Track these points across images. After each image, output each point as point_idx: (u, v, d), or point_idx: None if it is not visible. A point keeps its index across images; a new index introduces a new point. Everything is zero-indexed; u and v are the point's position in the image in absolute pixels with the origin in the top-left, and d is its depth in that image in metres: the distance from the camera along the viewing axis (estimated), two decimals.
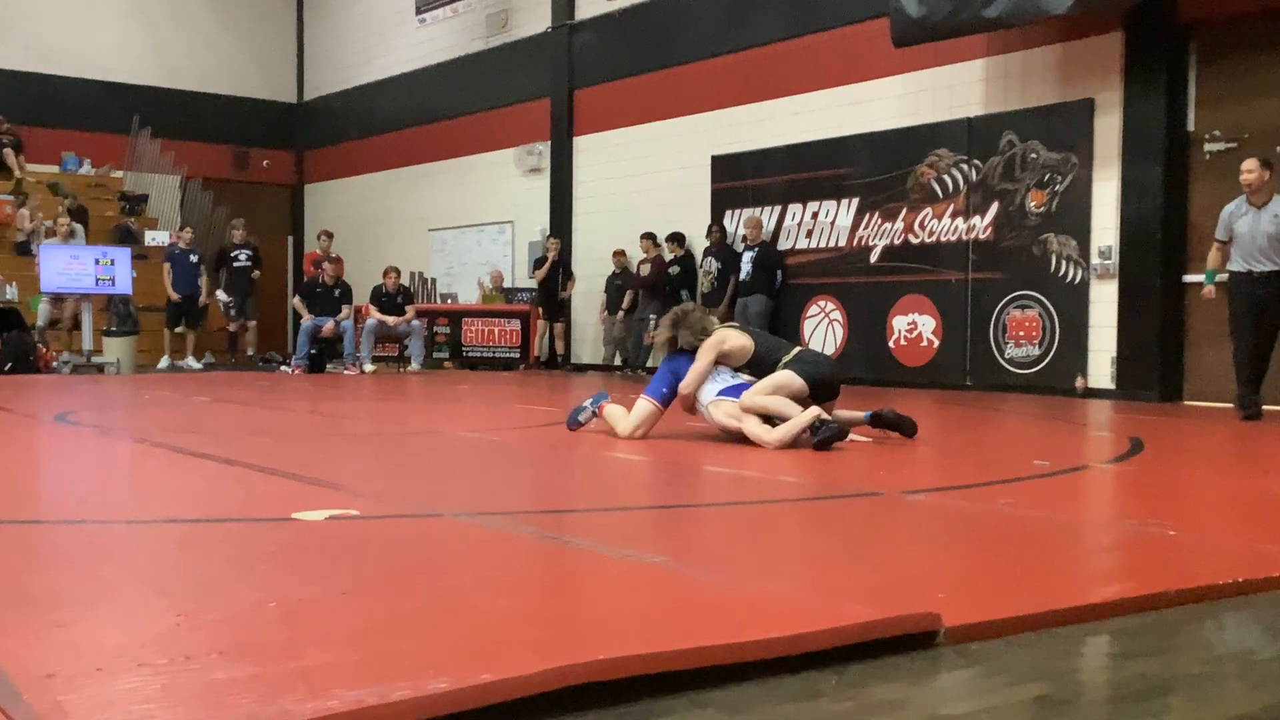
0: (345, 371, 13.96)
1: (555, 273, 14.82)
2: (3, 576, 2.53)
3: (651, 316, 12.78)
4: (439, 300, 16.86)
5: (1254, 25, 9.28)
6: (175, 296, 15.10)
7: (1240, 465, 5.50)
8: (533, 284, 15.15)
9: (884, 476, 4.71)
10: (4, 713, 1.58)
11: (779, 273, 12.47)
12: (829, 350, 12.16)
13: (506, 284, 15.99)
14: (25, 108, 17.80)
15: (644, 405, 5.79)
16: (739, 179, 13.11)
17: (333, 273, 14.39)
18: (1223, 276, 7.95)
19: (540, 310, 15.04)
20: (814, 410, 5.43)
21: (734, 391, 5.62)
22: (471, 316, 15.39)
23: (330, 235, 15.78)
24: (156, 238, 17.67)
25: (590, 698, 1.75)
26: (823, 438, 5.30)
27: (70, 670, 1.76)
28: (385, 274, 14.51)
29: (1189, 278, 9.59)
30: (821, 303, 12.28)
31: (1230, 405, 8.19)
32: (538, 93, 15.87)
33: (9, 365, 12.64)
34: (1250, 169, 7.59)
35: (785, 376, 5.62)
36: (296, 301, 14.99)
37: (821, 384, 5.72)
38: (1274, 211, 7.53)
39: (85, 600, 2.30)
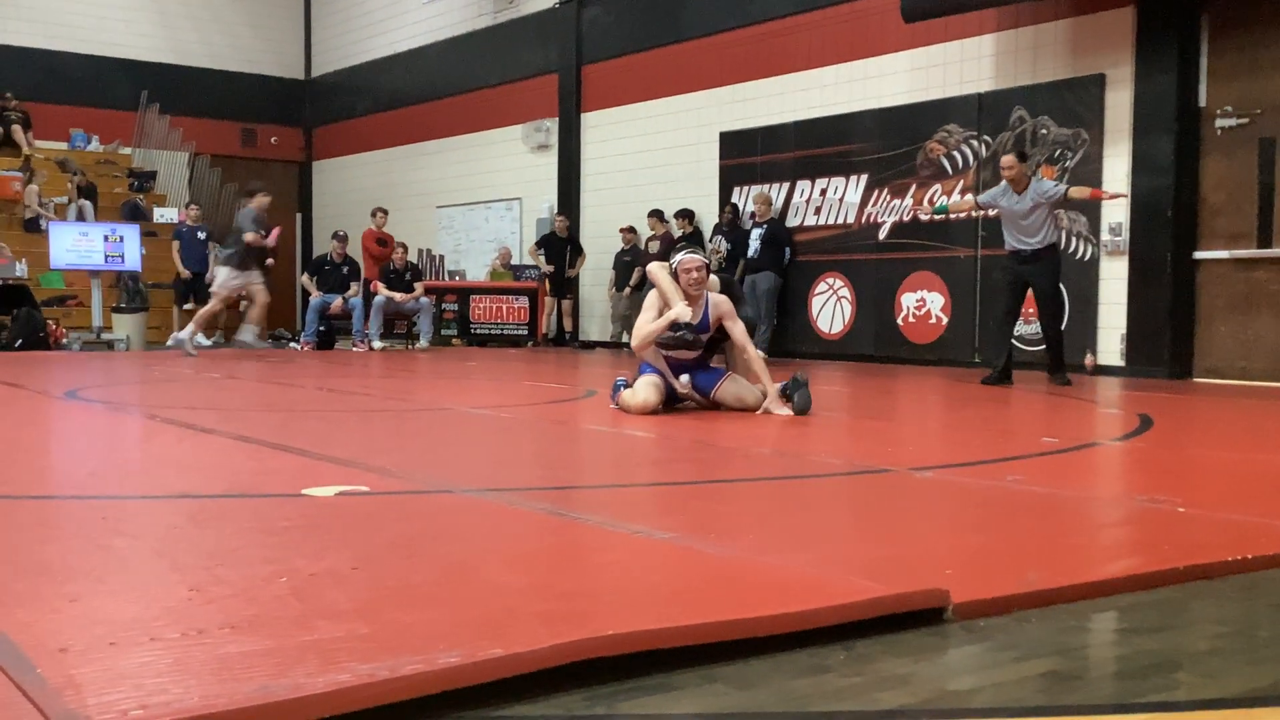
0: (354, 348, 13.97)
1: (564, 250, 14.81)
2: (16, 550, 2.55)
3: None
4: (447, 277, 16.85)
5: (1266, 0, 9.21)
6: (185, 274, 15.11)
7: (1249, 442, 5.49)
8: (542, 260, 15.15)
9: (892, 453, 4.71)
10: (18, 686, 1.59)
11: (787, 250, 12.44)
12: (837, 329, 12.16)
13: (514, 261, 15.97)
14: (33, 84, 17.79)
15: (646, 378, 5.88)
16: (747, 155, 13.07)
17: (339, 252, 14.36)
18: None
19: (548, 287, 15.04)
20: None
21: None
22: (479, 294, 15.39)
23: (385, 212, 15.64)
24: (165, 214, 17.68)
25: (600, 672, 1.75)
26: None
27: (83, 644, 1.78)
28: (394, 250, 14.49)
29: (1200, 254, 9.56)
30: (830, 280, 12.25)
31: (1240, 382, 8.21)
32: (545, 68, 15.82)
33: (19, 342, 12.68)
34: (1009, 165, 8.38)
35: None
36: (305, 279, 14.99)
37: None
38: (1030, 196, 8.28)
39: (98, 574, 2.32)
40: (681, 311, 5.80)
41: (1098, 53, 10.09)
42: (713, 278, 6.12)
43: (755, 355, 5.96)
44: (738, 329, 5.97)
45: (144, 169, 18.63)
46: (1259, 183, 9.22)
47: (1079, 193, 8.50)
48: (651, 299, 5.99)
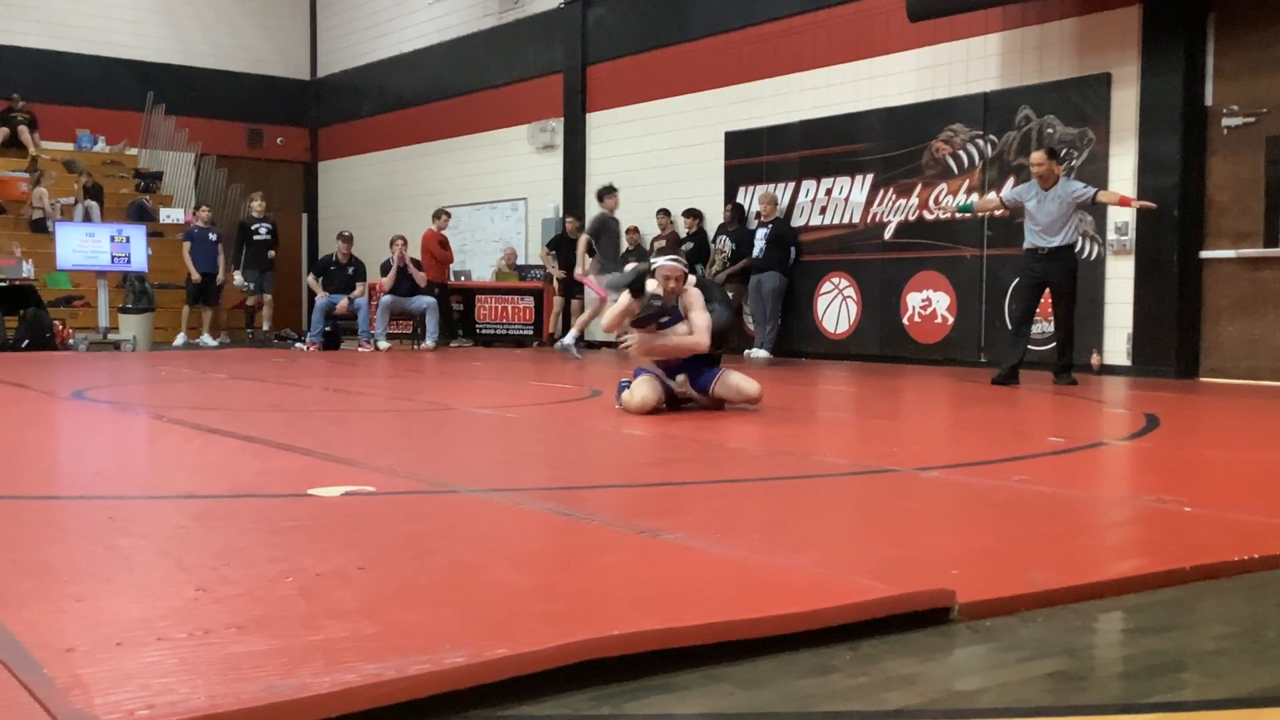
0: (360, 349, 13.99)
1: (573, 250, 14.79)
2: (23, 550, 2.55)
3: None
4: (452, 277, 16.86)
5: None
6: (196, 276, 15.09)
7: (1256, 441, 5.48)
8: (554, 265, 15.16)
9: (898, 452, 4.71)
10: (25, 685, 1.59)
11: (793, 249, 12.43)
12: (842, 328, 12.16)
13: (520, 261, 15.97)
14: (40, 85, 17.83)
15: (643, 379, 5.88)
16: (753, 155, 13.06)
17: (345, 252, 14.36)
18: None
19: (556, 287, 15.04)
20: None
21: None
22: (485, 294, 15.40)
23: (448, 214, 15.37)
24: (171, 215, 17.71)
25: (606, 672, 1.76)
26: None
27: (90, 644, 1.78)
28: (392, 244, 14.41)
29: (1206, 253, 9.55)
30: (835, 279, 12.25)
31: (1246, 381, 8.19)
32: (551, 68, 15.82)
33: (26, 342, 12.70)
34: (1039, 161, 8.39)
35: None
36: (311, 279, 15.01)
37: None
38: (1058, 194, 8.27)
39: (104, 574, 2.32)
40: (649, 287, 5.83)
41: (1104, 52, 10.07)
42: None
43: (690, 340, 5.83)
44: (700, 319, 5.86)
45: (150, 169, 18.66)
46: (1265, 182, 9.20)
47: (1108, 197, 8.44)
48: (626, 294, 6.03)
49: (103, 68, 18.50)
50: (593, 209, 15.28)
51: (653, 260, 6.03)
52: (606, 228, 11.74)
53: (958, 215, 9.27)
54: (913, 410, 7.28)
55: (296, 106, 20.71)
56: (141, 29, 19.08)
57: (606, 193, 12.02)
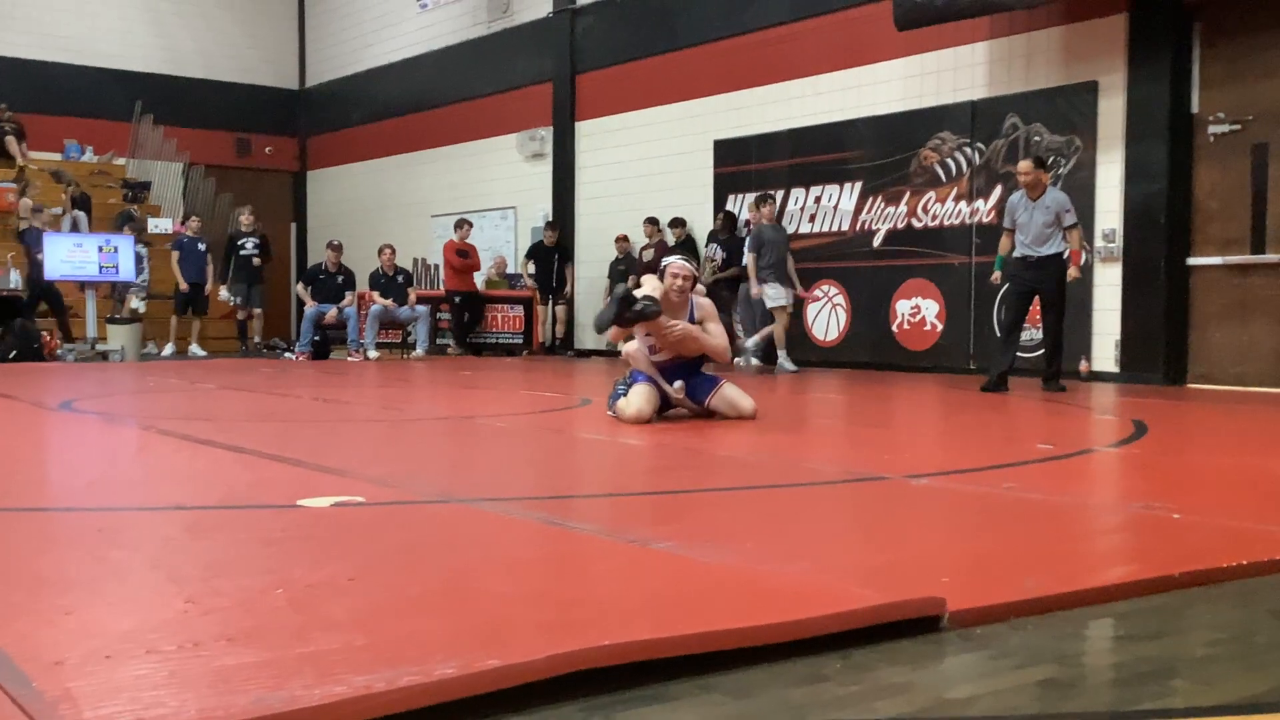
0: (349, 358, 13.96)
1: (551, 258, 14.84)
2: (12, 562, 2.54)
3: None
4: (442, 286, 16.84)
5: (1258, 7, 9.24)
6: (184, 286, 15.03)
7: (1244, 447, 5.49)
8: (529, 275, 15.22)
9: (888, 460, 4.71)
10: (14, 699, 1.58)
11: None
12: (832, 336, 12.19)
13: (510, 270, 15.97)
14: (27, 95, 17.79)
15: (639, 387, 5.88)
16: (742, 163, 13.09)
17: (334, 261, 14.33)
18: None
19: (539, 295, 15.08)
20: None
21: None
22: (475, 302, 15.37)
23: (470, 224, 15.36)
24: (159, 225, 17.66)
25: (597, 682, 1.75)
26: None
27: (79, 657, 1.77)
28: (380, 252, 14.38)
29: (1193, 260, 9.58)
30: (824, 287, 12.26)
31: (1234, 388, 8.22)
32: (540, 77, 15.84)
33: (13, 353, 12.65)
34: (1025, 170, 8.44)
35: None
36: (300, 288, 14.97)
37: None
38: (1045, 203, 8.33)
39: (93, 586, 2.31)
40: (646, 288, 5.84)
41: (1091, 60, 10.12)
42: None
43: (720, 344, 5.98)
44: (715, 328, 6.01)
45: (138, 179, 18.62)
46: (1251, 189, 9.24)
47: (1073, 240, 8.38)
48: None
49: (90, 78, 18.46)
50: (582, 218, 15.35)
51: (664, 259, 6.10)
52: (763, 238, 11.65)
53: (999, 274, 8.90)
54: (902, 418, 7.29)
55: (285, 116, 20.69)
56: (129, 39, 19.05)
57: (761, 201, 11.93)
